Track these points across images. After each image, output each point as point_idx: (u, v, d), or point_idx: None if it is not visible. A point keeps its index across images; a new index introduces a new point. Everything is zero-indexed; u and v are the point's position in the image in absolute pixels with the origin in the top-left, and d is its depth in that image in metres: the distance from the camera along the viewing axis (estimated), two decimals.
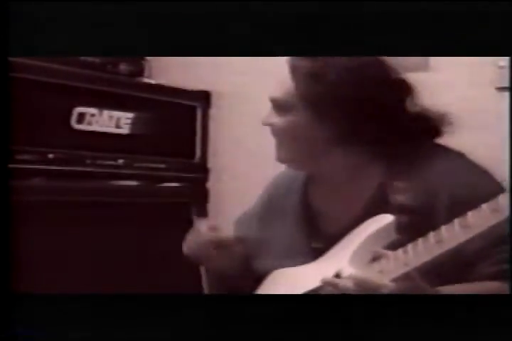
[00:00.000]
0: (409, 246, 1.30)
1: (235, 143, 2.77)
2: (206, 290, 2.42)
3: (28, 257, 1.95)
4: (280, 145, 1.57)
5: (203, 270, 2.42)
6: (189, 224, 1.66)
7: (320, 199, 1.64)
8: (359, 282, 1.31)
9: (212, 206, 2.48)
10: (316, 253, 1.56)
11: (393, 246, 1.38)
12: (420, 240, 1.29)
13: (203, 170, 2.61)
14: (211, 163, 2.63)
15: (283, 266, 1.60)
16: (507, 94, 2.11)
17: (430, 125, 1.54)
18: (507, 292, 1.34)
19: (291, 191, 1.69)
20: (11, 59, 1.88)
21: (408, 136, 1.51)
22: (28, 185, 2.08)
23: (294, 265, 1.58)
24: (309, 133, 1.52)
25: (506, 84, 2.11)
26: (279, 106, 1.54)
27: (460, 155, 1.54)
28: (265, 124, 1.58)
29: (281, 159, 1.59)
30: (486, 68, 2.13)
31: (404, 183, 1.48)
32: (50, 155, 2.15)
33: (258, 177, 2.69)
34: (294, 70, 1.51)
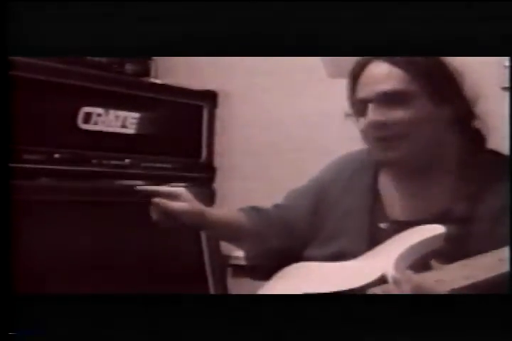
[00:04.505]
0: (469, 261, 1.33)
1: (242, 142, 2.77)
2: (212, 290, 2.43)
3: (32, 257, 1.96)
4: (398, 140, 1.51)
5: (208, 269, 2.43)
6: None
7: (392, 187, 1.63)
8: (416, 287, 1.31)
9: (218, 206, 2.48)
10: (380, 233, 1.56)
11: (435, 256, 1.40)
12: (479, 256, 1.32)
13: (209, 170, 2.61)
14: (217, 163, 2.63)
15: (333, 243, 1.62)
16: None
17: None
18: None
19: (358, 174, 1.68)
20: (19, 59, 1.92)
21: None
22: (34, 185, 2.09)
23: (350, 243, 1.59)
24: (434, 118, 1.52)
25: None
26: (397, 98, 1.50)
27: None
28: (378, 122, 1.51)
29: (395, 157, 1.53)
30: (492, 68, 2.13)
31: (472, 193, 1.51)
32: (57, 155, 2.15)
33: (264, 177, 2.71)
34: (411, 64, 1.52)
